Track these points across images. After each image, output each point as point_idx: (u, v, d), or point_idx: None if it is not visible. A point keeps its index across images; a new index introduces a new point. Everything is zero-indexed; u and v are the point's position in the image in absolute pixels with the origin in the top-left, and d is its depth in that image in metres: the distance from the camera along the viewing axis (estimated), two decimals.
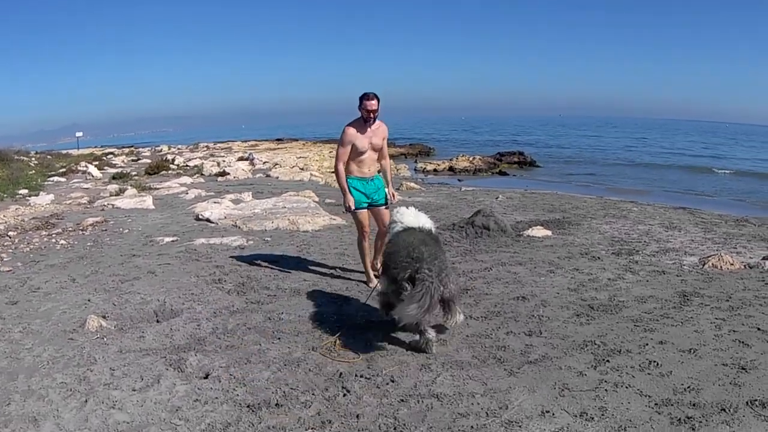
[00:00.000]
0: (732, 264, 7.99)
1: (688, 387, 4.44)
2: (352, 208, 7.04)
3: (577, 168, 36.46)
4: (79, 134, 59.36)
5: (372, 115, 6.83)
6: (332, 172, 26.63)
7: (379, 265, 7.45)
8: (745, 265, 8.05)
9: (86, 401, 4.33)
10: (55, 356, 5.16)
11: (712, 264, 8.03)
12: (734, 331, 5.57)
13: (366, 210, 7.17)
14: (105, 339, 5.54)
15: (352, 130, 6.89)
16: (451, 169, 33.78)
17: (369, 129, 6.92)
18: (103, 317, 6.05)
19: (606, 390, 4.40)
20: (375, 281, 7.15)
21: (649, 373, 4.68)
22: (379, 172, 7.28)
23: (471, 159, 35.52)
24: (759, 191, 25.39)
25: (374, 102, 6.76)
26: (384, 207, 7.23)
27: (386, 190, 7.25)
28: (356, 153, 6.95)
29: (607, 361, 4.91)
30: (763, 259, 8.28)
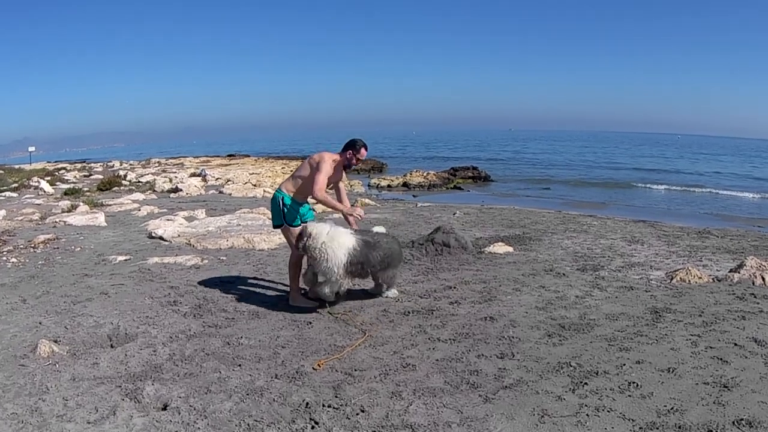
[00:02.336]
0: (700, 277, 7.91)
1: (672, 408, 4.25)
2: (361, 216, 7.04)
3: (532, 182, 36.65)
4: (31, 149, 58.69)
5: (356, 164, 6.95)
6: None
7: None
8: (713, 278, 7.99)
9: None
10: (6, 384, 4.81)
11: (680, 278, 7.94)
12: (711, 347, 5.42)
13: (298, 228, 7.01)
14: (57, 365, 5.19)
15: (331, 165, 6.85)
16: (405, 184, 33.60)
17: (339, 169, 6.96)
18: (55, 341, 5.70)
19: (587, 415, 4.18)
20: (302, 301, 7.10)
21: (629, 395, 4.48)
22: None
23: (425, 174, 35.43)
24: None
25: (364, 152, 6.94)
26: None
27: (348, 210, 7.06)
28: (316, 185, 6.70)
29: (585, 383, 4.69)
30: (731, 271, 8.21)
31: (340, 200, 7.12)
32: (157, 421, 4.22)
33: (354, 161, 6.85)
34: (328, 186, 6.87)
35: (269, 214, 14.18)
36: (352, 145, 6.84)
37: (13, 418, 4.24)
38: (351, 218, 7.08)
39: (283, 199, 6.94)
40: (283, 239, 11.11)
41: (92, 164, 56.33)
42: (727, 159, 65.38)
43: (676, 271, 8.25)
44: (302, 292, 7.16)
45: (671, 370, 4.92)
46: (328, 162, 6.77)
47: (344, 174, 7.19)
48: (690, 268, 8.21)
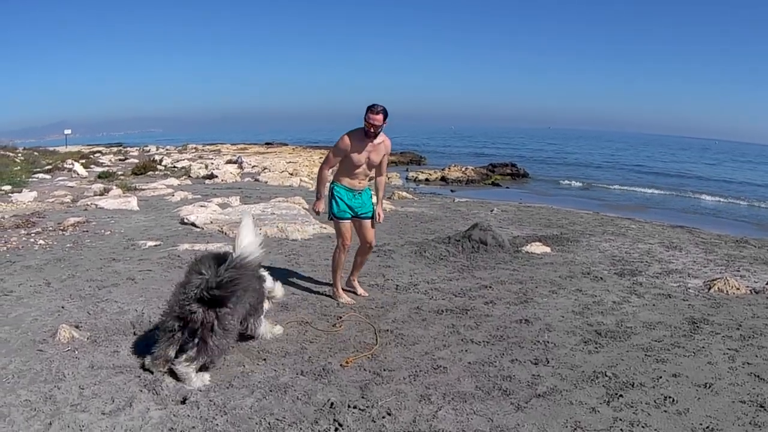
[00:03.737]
0: (738, 288, 7.75)
1: (708, 427, 4.13)
2: (319, 210, 6.83)
3: (570, 181, 36.25)
4: (67, 131, 58.72)
5: (373, 130, 6.42)
6: None
7: (356, 282, 7.24)
8: (751, 290, 7.83)
9: (50, 424, 3.88)
10: (22, 369, 4.68)
11: (718, 288, 7.79)
12: (748, 363, 5.29)
13: (349, 221, 6.82)
14: (76, 352, 5.05)
15: (347, 141, 6.52)
16: (443, 179, 33.46)
17: (369, 143, 6.54)
18: (76, 327, 5.56)
19: (621, 430, 4.07)
20: (344, 298, 6.94)
21: (665, 411, 4.36)
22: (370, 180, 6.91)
23: (463, 169, 35.23)
24: None
25: (379, 117, 6.35)
26: (369, 222, 6.89)
27: (375, 208, 6.92)
28: (350, 165, 6.60)
29: (620, 395, 4.58)
30: None
31: (377, 195, 7.00)
32: (174, 414, 4.10)
33: (368, 127, 6.45)
34: (359, 165, 6.60)
35: (304, 203, 14.18)
36: (365, 111, 6.46)
37: (25, 405, 4.13)
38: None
39: (333, 189, 6.82)
40: (323, 230, 11.08)
41: (128, 148, 56.52)
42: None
43: (714, 280, 8.10)
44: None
45: (708, 385, 4.80)
46: (341, 140, 6.57)
47: (384, 158, 6.78)
48: (728, 278, 8.06)
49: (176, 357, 4.61)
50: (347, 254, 6.97)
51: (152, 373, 4.64)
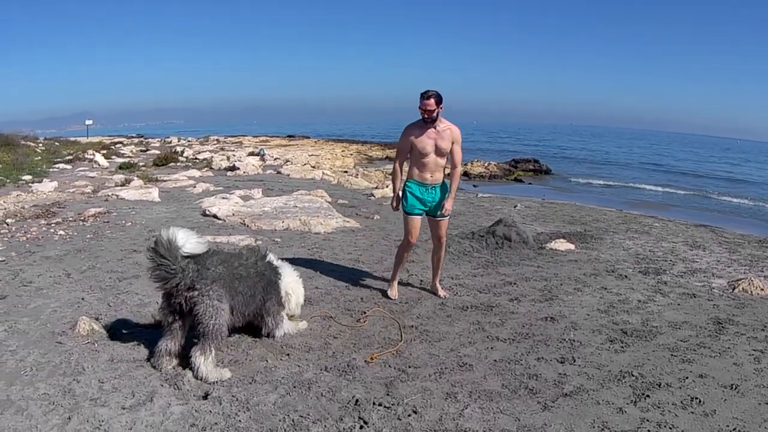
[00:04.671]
0: (762, 289, 7.69)
1: (735, 429, 4.13)
2: (394, 207, 6.82)
3: (593, 178, 35.98)
4: (89, 122, 58.85)
5: (428, 116, 6.35)
6: (344, 171, 26.44)
7: (437, 284, 7.15)
8: None
9: (69, 418, 3.89)
10: (41, 362, 4.70)
11: (743, 288, 7.74)
12: None
13: (419, 217, 6.75)
14: (96, 345, 5.05)
15: (409, 130, 6.53)
16: (465, 174, 33.20)
17: (432, 130, 6.46)
18: (96, 319, 5.56)
19: (648, 431, 4.07)
20: (395, 294, 6.93)
21: (692, 412, 4.36)
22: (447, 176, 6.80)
23: (486, 165, 35.03)
24: None
25: (431, 101, 6.26)
26: (441, 219, 6.79)
27: (446, 198, 6.71)
28: (418, 155, 6.53)
29: (647, 396, 4.58)
30: None
31: (451, 179, 6.78)
32: (196, 410, 4.09)
33: (423, 114, 6.39)
34: (426, 154, 6.51)
35: (327, 197, 14.19)
36: (419, 99, 6.40)
37: (44, 398, 4.13)
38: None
39: (405, 184, 6.78)
40: (346, 223, 11.08)
41: (150, 139, 56.52)
42: None
43: (738, 280, 8.05)
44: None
45: (734, 387, 4.80)
46: (406, 128, 6.60)
47: (454, 146, 6.60)
48: (752, 278, 7.99)
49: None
50: (410, 252, 7.03)
51: (159, 370, 4.64)
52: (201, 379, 4.51)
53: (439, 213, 6.69)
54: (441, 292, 7.09)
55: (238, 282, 4.90)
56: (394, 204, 6.81)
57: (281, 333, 5.38)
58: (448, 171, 6.74)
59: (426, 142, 6.45)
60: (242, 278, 4.96)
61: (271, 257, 5.46)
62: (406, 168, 6.78)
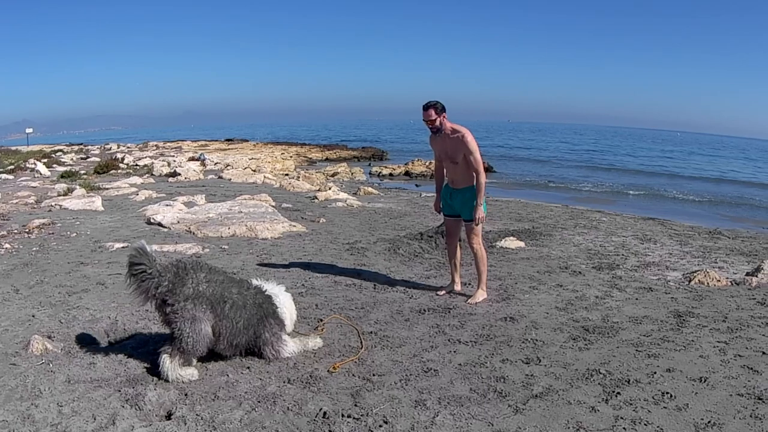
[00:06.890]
0: (719, 280, 7.77)
1: (710, 422, 4.04)
2: (434, 210, 7.34)
3: (535, 174, 36.27)
4: (29, 130, 58.16)
5: (431, 126, 6.60)
6: (285, 174, 26.22)
7: (478, 289, 6.99)
8: (731, 282, 7.86)
9: None
10: None
11: (699, 280, 7.81)
12: (740, 356, 5.24)
13: (449, 217, 7.08)
14: (51, 365, 4.77)
15: (430, 139, 6.94)
16: (407, 173, 33.20)
17: (441, 139, 6.72)
18: (49, 337, 5.26)
19: (624, 428, 3.96)
20: (458, 287, 7.16)
21: (665, 407, 4.26)
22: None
23: (427, 164, 35.04)
24: None
25: (430, 112, 6.54)
26: (468, 222, 6.85)
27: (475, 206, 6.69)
28: (438, 160, 7.07)
29: (618, 393, 4.47)
30: (747, 275, 8.09)
31: (476, 185, 6.74)
32: None
33: (427, 125, 6.68)
34: (441, 160, 7.00)
35: (271, 201, 13.95)
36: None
37: (3, 426, 3.86)
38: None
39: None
40: (292, 228, 10.89)
41: (89, 147, 55.69)
42: (730, 158, 64.95)
43: (693, 272, 8.12)
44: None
45: (703, 379, 4.73)
46: (430, 136, 6.94)
47: (464, 155, 6.61)
48: (708, 270, 8.08)
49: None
50: (455, 249, 7.16)
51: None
52: (165, 378, 4.47)
53: (470, 219, 6.80)
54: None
55: (230, 308, 4.78)
56: (434, 206, 7.38)
57: (285, 356, 5.12)
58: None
59: (438, 149, 6.81)
60: (236, 306, 4.82)
61: (267, 286, 5.23)
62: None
